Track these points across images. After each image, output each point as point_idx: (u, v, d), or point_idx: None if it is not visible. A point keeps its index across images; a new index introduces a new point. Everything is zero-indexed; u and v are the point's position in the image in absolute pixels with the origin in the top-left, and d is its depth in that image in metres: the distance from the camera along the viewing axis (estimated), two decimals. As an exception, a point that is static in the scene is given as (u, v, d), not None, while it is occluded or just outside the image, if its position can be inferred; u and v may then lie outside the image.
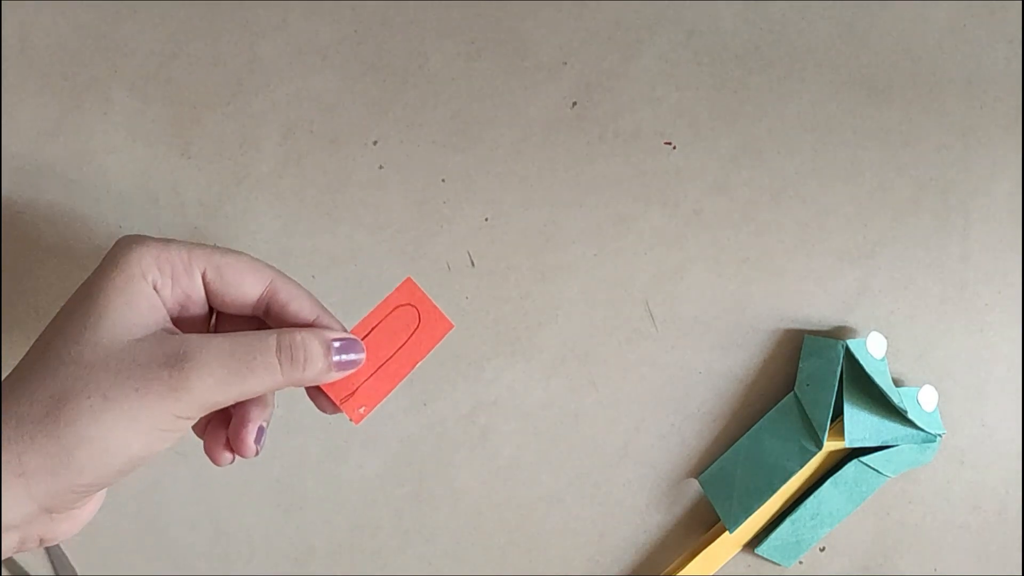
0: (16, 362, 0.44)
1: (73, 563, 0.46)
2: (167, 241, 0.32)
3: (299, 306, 0.34)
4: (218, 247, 0.33)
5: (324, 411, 0.35)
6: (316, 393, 0.35)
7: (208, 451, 0.35)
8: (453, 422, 0.47)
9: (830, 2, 0.46)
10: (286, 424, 0.46)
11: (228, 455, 0.35)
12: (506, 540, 0.47)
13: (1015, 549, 0.49)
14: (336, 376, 0.33)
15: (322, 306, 0.35)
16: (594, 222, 0.46)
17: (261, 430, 0.35)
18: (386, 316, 0.35)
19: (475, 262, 0.46)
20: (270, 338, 0.31)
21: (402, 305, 0.35)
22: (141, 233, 0.33)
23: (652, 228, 0.46)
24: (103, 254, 0.45)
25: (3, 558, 0.30)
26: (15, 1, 0.44)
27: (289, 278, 0.34)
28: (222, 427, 0.35)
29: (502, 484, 0.47)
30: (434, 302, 0.35)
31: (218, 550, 0.47)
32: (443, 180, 0.45)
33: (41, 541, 0.31)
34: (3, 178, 0.44)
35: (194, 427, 0.36)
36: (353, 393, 0.34)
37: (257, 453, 0.35)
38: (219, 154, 0.45)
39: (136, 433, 0.29)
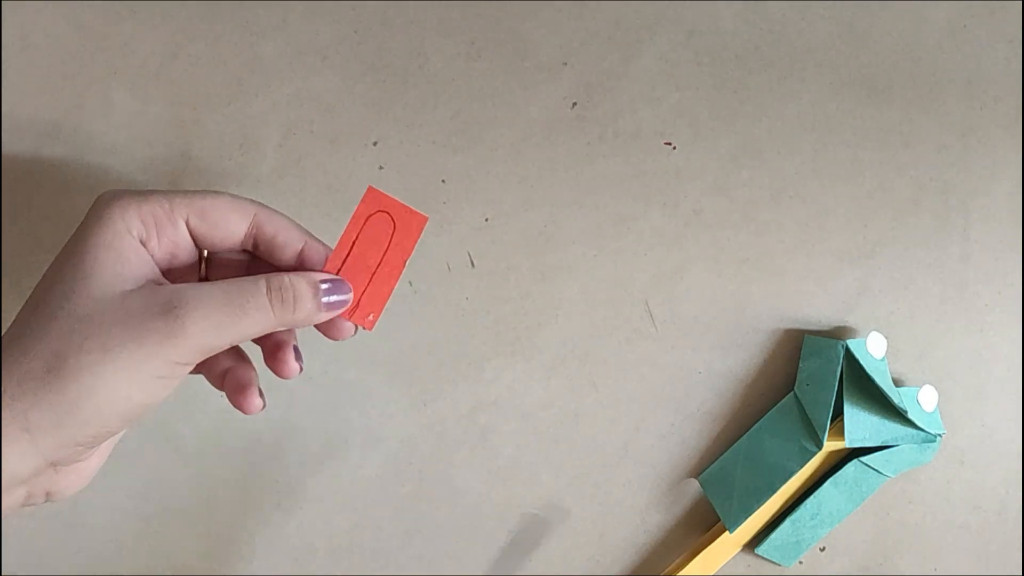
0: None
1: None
2: (146, 193, 0.33)
3: (286, 236, 0.34)
4: (198, 191, 0.34)
5: (335, 337, 0.36)
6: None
7: (236, 402, 0.35)
8: (453, 422, 0.47)
9: (830, 2, 0.46)
10: (286, 424, 0.46)
11: (258, 401, 0.35)
12: (506, 540, 0.47)
13: (1015, 549, 0.49)
14: (325, 317, 0.34)
15: (308, 233, 0.35)
16: (594, 222, 0.46)
17: (296, 350, 0.36)
18: (362, 227, 0.35)
19: (475, 262, 0.46)
20: (260, 281, 0.32)
21: (373, 214, 0.35)
22: (116, 188, 0.34)
23: (652, 228, 0.46)
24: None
25: (11, 513, 0.31)
26: (15, 1, 0.44)
27: (272, 209, 0.35)
28: (240, 375, 0.36)
29: (502, 484, 0.47)
30: (401, 201, 0.36)
31: (218, 550, 0.47)
32: (443, 180, 0.45)
33: (48, 495, 0.32)
34: (3, 178, 0.44)
35: (211, 380, 0.37)
36: (357, 305, 0.35)
37: (301, 371, 0.36)
38: (219, 154, 0.45)
39: (137, 382, 0.30)
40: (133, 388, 0.30)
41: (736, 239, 0.46)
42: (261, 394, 0.35)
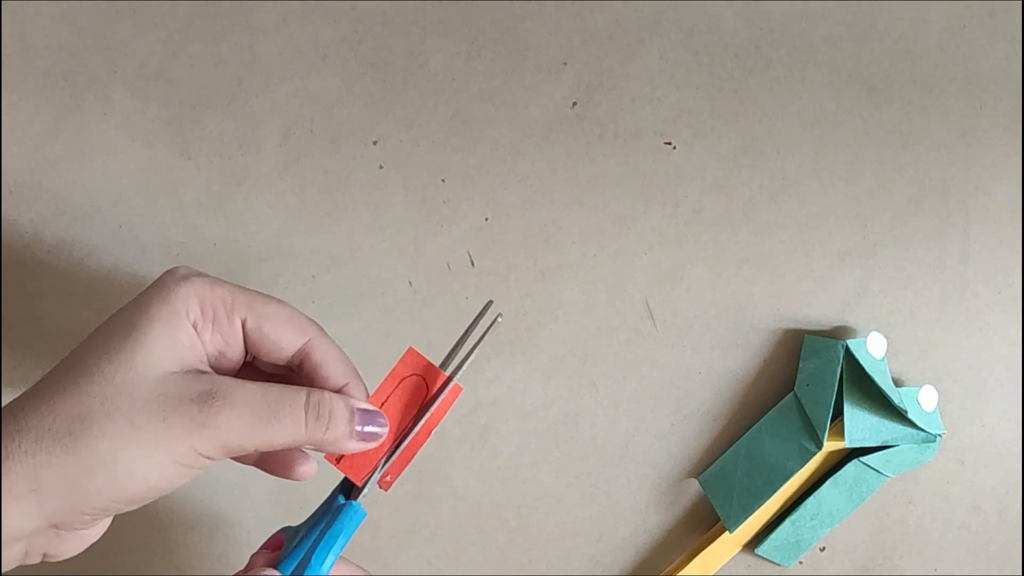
0: (15, 363, 0.44)
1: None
2: (214, 282, 0.32)
3: (332, 368, 0.34)
4: (262, 294, 0.33)
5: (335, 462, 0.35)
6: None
7: (284, 476, 0.35)
8: (453, 422, 0.47)
9: (830, 2, 0.46)
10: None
11: (309, 468, 0.35)
12: (506, 540, 0.47)
13: (1015, 549, 0.49)
14: (356, 447, 0.33)
15: (355, 372, 0.35)
16: (594, 222, 0.46)
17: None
18: (394, 388, 0.35)
19: (475, 262, 0.46)
20: (300, 392, 0.32)
21: (408, 376, 0.35)
22: (190, 266, 0.33)
23: (652, 228, 0.46)
24: (102, 254, 0.45)
25: (6, 571, 0.30)
26: (15, 1, 0.44)
27: (328, 338, 0.34)
28: (276, 455, 0.35)
29: (502, 484, 0.47)
30: (439, 367, 0.35)
31: (218, 550, 0.47)
32: (443, 180, 0.45)
33: (45, 556, 0.31)
34: (3, 178, 0.44)
35: (242, 461, 0.36)
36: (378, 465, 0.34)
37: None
38: (219, 154, 0.45)
39: (156, 463, 0.29)
40: (151, 469, 0.29)
41: (736, 239, 0.46)
42: (305, 458, 0.35)
